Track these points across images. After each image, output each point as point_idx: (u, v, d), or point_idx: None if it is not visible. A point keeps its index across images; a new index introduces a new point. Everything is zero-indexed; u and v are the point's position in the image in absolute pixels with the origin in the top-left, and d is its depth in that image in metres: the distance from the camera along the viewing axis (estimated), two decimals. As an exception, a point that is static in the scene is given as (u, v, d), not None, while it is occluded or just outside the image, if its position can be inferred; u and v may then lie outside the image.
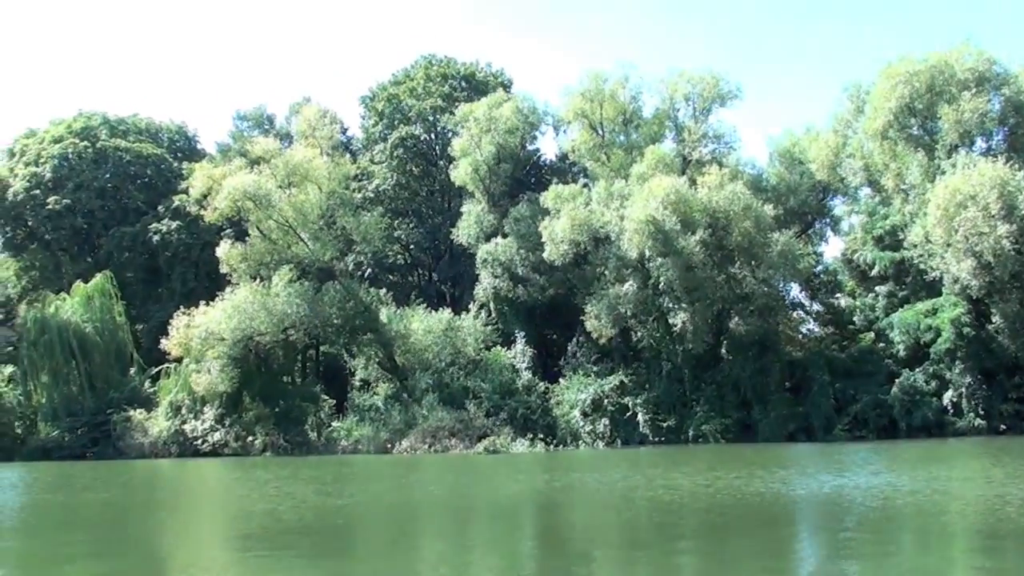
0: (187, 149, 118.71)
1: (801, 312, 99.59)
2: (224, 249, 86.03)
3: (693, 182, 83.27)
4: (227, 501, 41.48)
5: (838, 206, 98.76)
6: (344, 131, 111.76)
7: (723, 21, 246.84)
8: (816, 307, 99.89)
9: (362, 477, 55.07)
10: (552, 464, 60.14)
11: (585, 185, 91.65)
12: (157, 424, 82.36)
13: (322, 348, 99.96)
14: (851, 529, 27.90)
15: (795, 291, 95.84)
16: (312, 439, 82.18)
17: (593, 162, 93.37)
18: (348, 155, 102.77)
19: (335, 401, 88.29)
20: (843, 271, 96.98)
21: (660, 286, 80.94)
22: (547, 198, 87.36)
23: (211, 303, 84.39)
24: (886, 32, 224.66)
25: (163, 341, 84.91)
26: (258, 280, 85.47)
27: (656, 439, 79.89)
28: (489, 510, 35.50)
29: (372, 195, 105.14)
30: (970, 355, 77.74)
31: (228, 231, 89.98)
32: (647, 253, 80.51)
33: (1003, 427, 76.54)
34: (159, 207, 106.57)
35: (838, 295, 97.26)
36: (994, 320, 78.19)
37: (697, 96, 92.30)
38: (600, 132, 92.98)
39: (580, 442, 79.83)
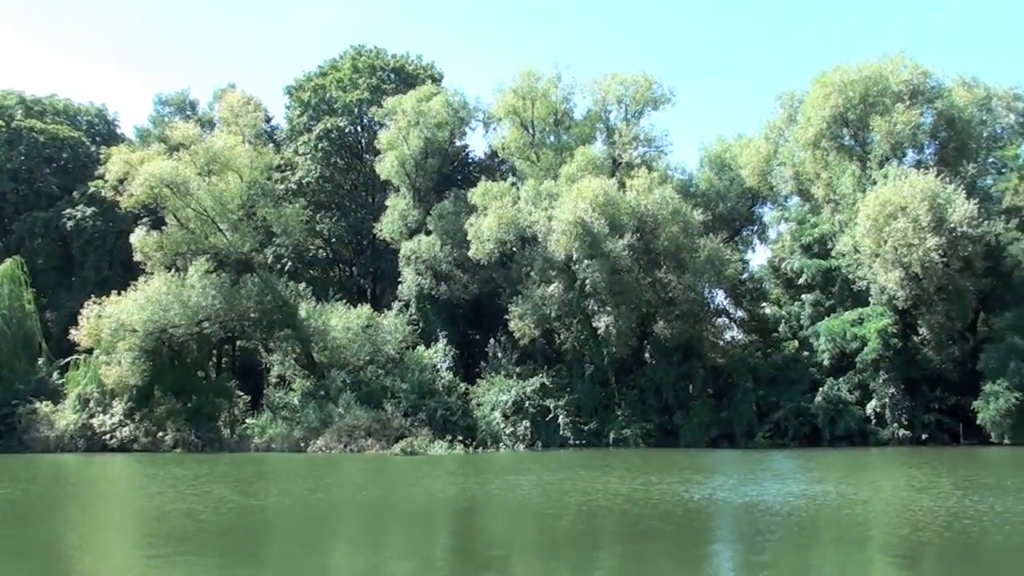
0: (106, 133, 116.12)
1: (725, 319, 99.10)
2: (139, 237, 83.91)
3: (622, 185, 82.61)
4: (139, 500, 39.98)
5: (767, 214, 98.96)
6: (268, 120, 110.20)
7: (658, 25, 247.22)
8: (740, 314, 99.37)
9: (278, 477, 53.72)
10: (471, 467, 59.25)
11: (513, 184, 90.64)
12: (64, 417, 79.90)
13: (238, 343, 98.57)
14: (769, 538, 27.59)
15: (720, 298, 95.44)
16: (225, 436, 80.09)
17: (522, 161, 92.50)
18: (271, 145, 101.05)
19: (250, 397, 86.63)
20: (769, 279, 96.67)
21: (586, 288, 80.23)
22: (474, 195, 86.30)
23: (124, 293, 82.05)
24: (821, 42, 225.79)
25: (73, 331, 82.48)
26: (173, 270, 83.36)
27: (577, 442, 79.21)
28: (405, 514, 34.58)
29: (294, 187, 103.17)
30: (895, 365, 77.78)
31: (144, 219, 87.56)
32: (574, 255, 79.88)
33: (925, 437, 76.80)
34: (74, 192, 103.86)
35: (763, 303, 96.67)
36: (920, 332, 78.20)
37: (629, 99, 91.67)
38: (531, 131, 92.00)
39: (500, 444, 78.91)
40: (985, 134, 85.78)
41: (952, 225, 72.64)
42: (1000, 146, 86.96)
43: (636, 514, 32.33)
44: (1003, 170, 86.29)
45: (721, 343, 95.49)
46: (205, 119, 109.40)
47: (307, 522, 32.42)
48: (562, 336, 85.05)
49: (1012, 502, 33.42)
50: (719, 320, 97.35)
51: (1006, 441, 72.55)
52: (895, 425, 76.98)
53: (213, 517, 32.15)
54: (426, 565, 23.80)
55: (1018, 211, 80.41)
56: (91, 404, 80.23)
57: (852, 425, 77.80)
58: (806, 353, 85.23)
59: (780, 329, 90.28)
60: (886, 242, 73.34)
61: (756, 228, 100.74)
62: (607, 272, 78.58)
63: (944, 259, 72.36)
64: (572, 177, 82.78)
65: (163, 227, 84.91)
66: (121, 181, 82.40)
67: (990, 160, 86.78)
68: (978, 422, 73.96)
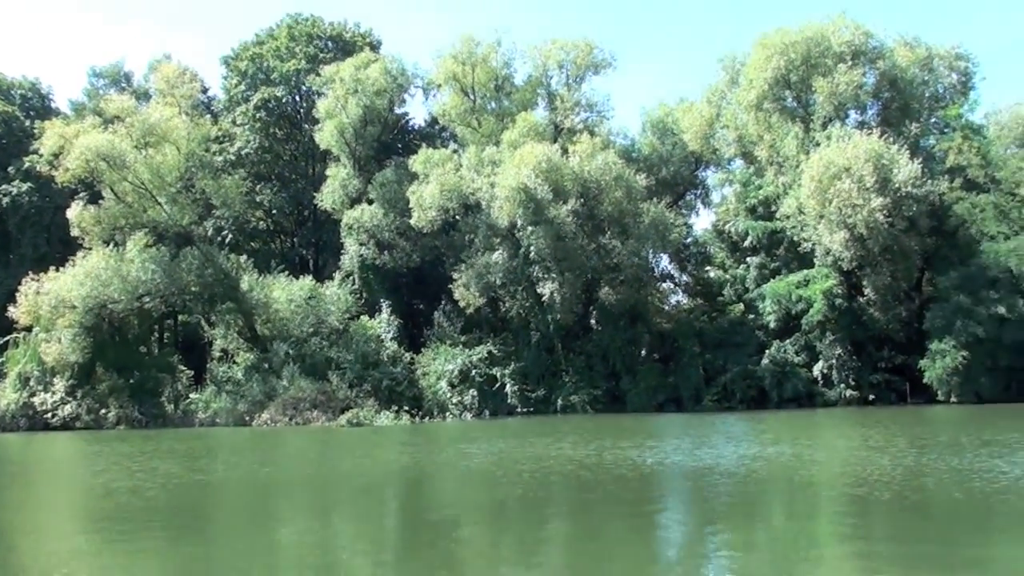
0: (40, 107, 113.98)
1: (670, 284, 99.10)
2: (76, 212, 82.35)
3: (565, 151, 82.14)
4: (84, 478, 39.06)
5: (710, 177, 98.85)
6: (205, 91, 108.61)
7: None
8: (685, 279, 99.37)
9: (224, 451, 52.90)
10: (418, 437, 58.66)
11: (455, 151, 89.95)
12: (4, 397, 78.38)
13: (180, 317, 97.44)
14: (725, 501, 27.50)
15: (665, 262, 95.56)
16: (168, 412, 79.21)
17: (464, 127, 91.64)
18: (209, 116, 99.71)
19: (193, 372, 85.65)
20: (713, 243, 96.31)
21: (530, 255, 79.87)
22: (416, 163, 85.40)
23: (62, 269, 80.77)
24: (762, 4, 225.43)
25: (11, 309, 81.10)
26: (112, 245, 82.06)
27: (525, 410, 79.16)
28: (354, 486, 33.93)
29: (233, 158, 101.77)
30: (841, 327, 77.98)
31: (81, 194, 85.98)
32: (518, 222, 79.50)
33: (872, 397, 77.17)
34: (9, 168, 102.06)
35: (708, 267, 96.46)
36: (865, 292, 78.30)
37: (570, 63, 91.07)
38: (472, 97, 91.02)
39: (447, 414, 78.39)
40: (927, 94, 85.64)
41: (896, 185, 72.73)
42: (942, 106, 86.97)
43: (591, 480, 31.92)
44: (945, 130, 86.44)
45: (666, 308, 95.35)
46: (140, 91, 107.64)
47: (255, 497, 31.88)
48: (507, 304, 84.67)
49: (971, 459, 33.14)
50: (664, 285, 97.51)
51: (953, 400, 73.04)
52: (842, 386, 77.29)
53: (161, 494, 31.39)
54: (377, 537, 23.38)
55: (962, 170, 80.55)
56: (32, 382, 78.88)
57: (799, 387, 78.16)
58: (752, 316, 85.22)
59: (725, 292, 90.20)
60: (830, 203, 73.25)
61: (699, 192, 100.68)
62: (551, 239, 78.25)
63: (889, 219, 72.46)
64: (514, 143, 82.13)
65: (100, 201, 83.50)
66: (56, 155, 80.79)
67: (932, 120, 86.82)
68: (925, 381, 74.35)
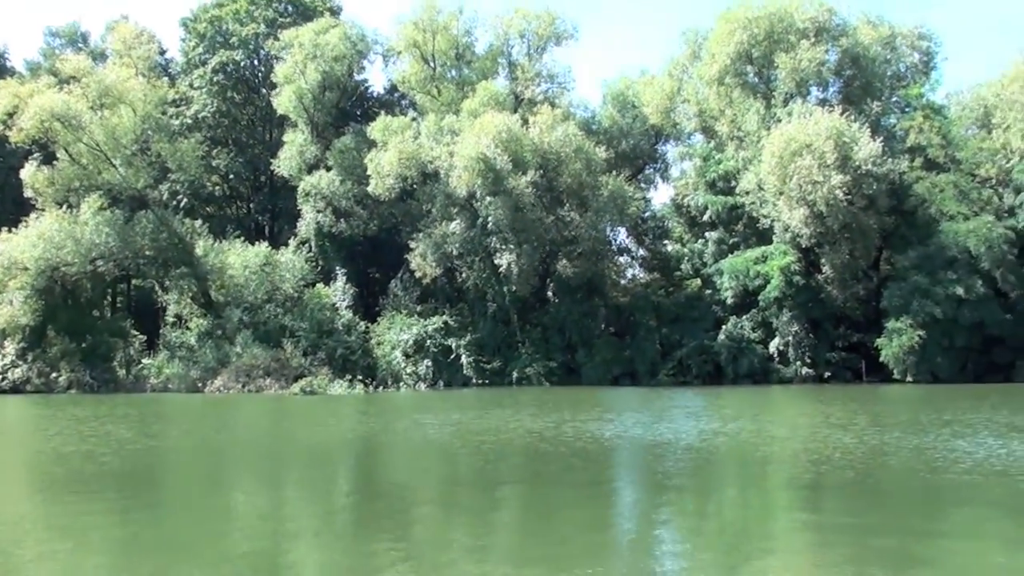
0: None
1: (627, 257, 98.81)
2: (30, 173, 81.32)
3: (525, 121, 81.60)
4: (36, 442, 38.16)
5: (670, 151, 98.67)
6: (162, 53, 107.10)
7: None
8: (642, 253, 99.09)
9: (177, 418, 52.10)
10: (372, 407, 57.98)
11: (414, 119, 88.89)
12: (-46, 359, 77.64)
13: (133, 281, 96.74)
14: (682, 476, 27.23)
15: (622, 236, 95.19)
16: (120, 377, 78.65)
17: (423, 95, 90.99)
18: (166, 78, 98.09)
19: (145, 337, 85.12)
20: (672, 217, 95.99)
21: (488, 226, 79.39)
22: (374, 129, 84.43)
23: (15, 230, 79.68)
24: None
25: (-38, 270, 79.84)
26: (66, 207, 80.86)
27: (480, 381, 78.93)
28: (306, 455, 33.32)
29: (190, 122, 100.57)
30: (798, 304, 77.80)
31: (35, 154, 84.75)
32: (476, 191, 78.99)
33: (828, 375, 77.26)
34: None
35: (666, 241, 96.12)
36: (823, 270, 78.20)
37: (532, 34, 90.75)
38: (432, 64, 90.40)
39: (401, 384, 78.29)
40: (889, 73, 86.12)
41: (857, 163, 72.92)
42: (904, 85, 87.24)
43: (551, 452, 31.55)
44: (906, 109, 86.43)
45: (623, 281, 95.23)
46: (97, 52, 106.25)
47: (208, 464, 31.44)
48: (464, 274, 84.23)
49: (933, 439, 32.88)
50: (621, 259, 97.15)
51: (909, 379, 73.24)
52: (798, 363, 77.41)
53: (114, 459, 30.84)
54: (328, 508, 22.93)
55: (922, 150, 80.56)
56: (-19, 345, 78.02)
57: (755, 363, 78.23)
58: (709, 291, 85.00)
59: (683, 267, 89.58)
60: (790, 179, 73.36)
61: (658, 166, 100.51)
62: (510, 209, 77.84)
63: (848, 197, 72.69)
64: (474, 112, 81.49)
65: (55, 162, 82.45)
66: (11, 115, 79.70)
67: (893, 99, 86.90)
68: (881, 359, 74.35)
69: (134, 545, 18.15)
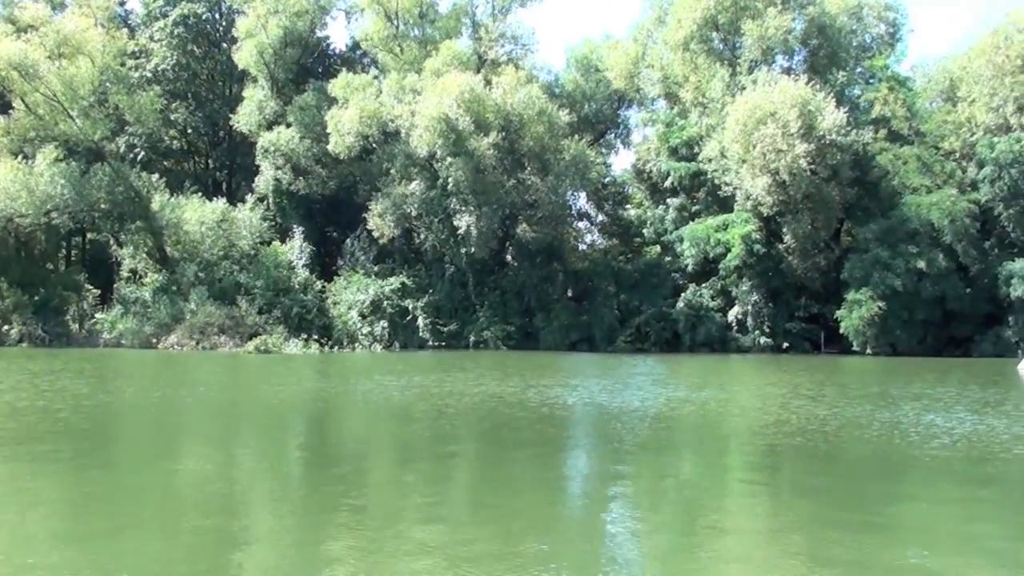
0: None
1: (587, 223, 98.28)
2: (-17, 122, 79.95)
3: (488, 82, 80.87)
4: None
5: (632, 116, 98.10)
6: (122, 3, 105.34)
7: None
8: (601, 218, 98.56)
9: (133, 374, 51.16)
10: (327, 367, 57.46)
11: (376, 77, 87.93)
12: (-96, 310, 76.54)
13: (88, 235, 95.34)
14: (627, 442, 26.76)
15: (582, 201, 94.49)
16: (73, 331, 77.75)
17: (385, 53, 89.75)
18: (125, 30, 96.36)
19: (99, 291, 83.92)
20: (632, 183, 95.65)
21: (448, 187, 78.82)
22: (335, 87, 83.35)
23: (-32, 180, 78.22)
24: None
25: (-86, 220, 78.59)
26: (21, 158, 79.23)
27: (436, 343, 78.75)
28: (265, 415, 32.61)
29: (149, 74, 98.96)
30: (758, 273, 77.81)
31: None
32: (437, 152, 78.38)
33: (786, 345, 77.39)
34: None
35: (628, 207, 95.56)
36: (784, 240, 77.83)
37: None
38: (394, 22, 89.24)
39: (357, 344, 77.74)
40: (855, 43, 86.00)
41: (821, 133, 72.96)
42: (869, 56, 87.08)
43: (518, 418, 31.01)
44: (871, 80, 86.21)
45: (582, 247, 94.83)
46: (56, 1, 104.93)
47: (163, 423, 30.54)
48: (422, 235, 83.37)
49: (908, 412, 32.39)
50: (580, 224, 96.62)
51: (868, 351, 73.26)
52: (756, 332, 77.68)
53: (72, 416, 30.16)
54: (283, 471, 22.35)
55: (886, 122, 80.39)
56: (-68, 297, 76.98)
57: (713, 332, 78.45)
58: (668, 258, 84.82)
59: (645, 232, 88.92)
60: (754, 148, 73.30)
61: (620, 131, 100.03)
62: (470, 171, 77.25)
63: (812, 166, 72.63)
64: (437, 72, 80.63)
65: (10, 112, 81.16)
66: (-34, 63, 78.59)
67: (858, 70, 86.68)
68: (841, 331, 74.41)
69: (86, 506, 17.56)
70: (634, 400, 36.64)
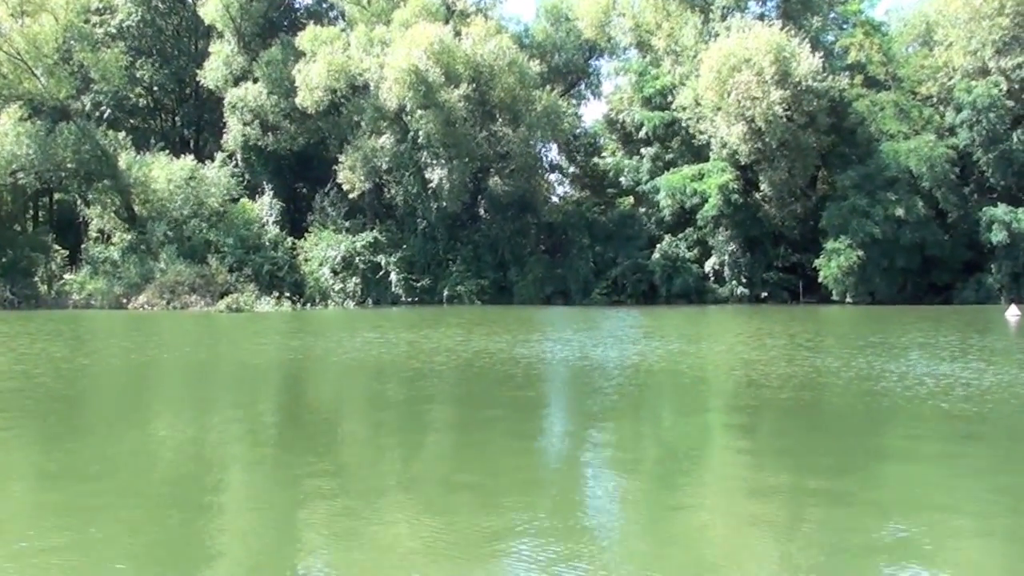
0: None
1: (559, 174, 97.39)
2: (-54, 81, 78.49)
3: (458, 33, 79.85)
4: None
5: (604, 66, 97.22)
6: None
7: None
8: (573, 170, 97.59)
9: (108, 335, 50.46)
10: (300, 324, 56.67)
11: (343, 29, 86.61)
12: None
13: (55, 195, 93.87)
14: (606, 395, 26.41)
15: (554, 152, 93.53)
16: (42, 292, 76.51)
17: (353, 5, 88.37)
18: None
19: (68, 252, 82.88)
20: (604, 134, 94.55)
21: (419, 140, 77.98)
22: (303, 40, 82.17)
23: (-69, 140, 76.85)
24: None
25: None
26: (-16, 117, 78.10)
27: (409, 299, 78.24)
28: (233, 375, 32.09)
29: (114, 31, 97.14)
30: (735, 222, 77.14)
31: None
32: (407, 105, 77.38)
33: (764, 295, 77.05)
34: None
35: (602, 156, 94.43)
36: (761, 188, 77.20)
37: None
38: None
39: (329, 301, 77.08)
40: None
41: (797, 79, 72.59)
42: (842, 1, 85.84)
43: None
44: (844, 26, 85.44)
45: (554, 199, 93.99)
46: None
47: (139, 385, 30.06)
48: (393, 190, 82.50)
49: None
50: (551, 176, 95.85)
51: (847, 300, 72.95)
52: (734, 283, 77.22)
53: (52, 380, 29.70)
54: (261, 433, 21.72)
55: (862, 67, 79.72)
56: None
57: (690, 282, 78.14)
58: (643, 209, 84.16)
59: (622, 182, 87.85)
60: (729, 95, 72.89)
61: (592, 81, 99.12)
62: (441, 123, 76.37)
63: (788, 113, 72.24)
64: (405, 23, 79.56)
65: (-28, 72, 79.75)
66: (-75, 22, 77.18)
67: (831, 15, 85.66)
68: (820, 280, 73.93)
69: (58, 472, 17.12)
70: (632, 355, 35.90)
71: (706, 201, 77.11)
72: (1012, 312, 57.71)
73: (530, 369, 31.75)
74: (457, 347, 38.73)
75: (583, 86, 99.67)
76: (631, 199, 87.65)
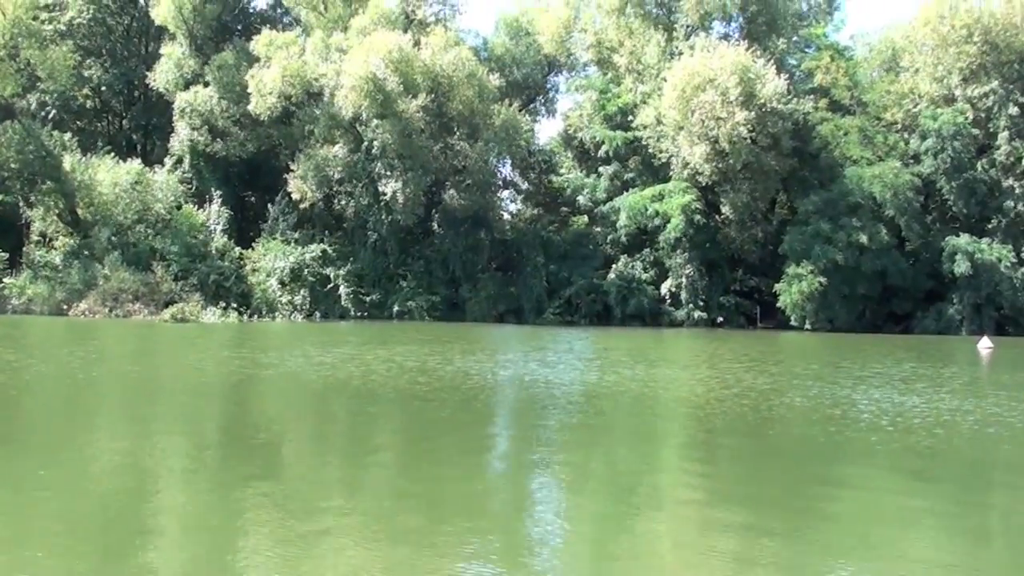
0: None
1: (513, 191, 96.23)
2: None
3: (417, 43, 78.36)
4: None
5: (562, 83, 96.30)
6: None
7: None
8: (526, 187, 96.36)
9: (47, 343, 49.11)
10: (246, 337, 55.49)
11: (299, 36, 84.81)
12: None
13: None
14: (560, 420, 25.91)
15: (508, 168, 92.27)
16: (-21, 296, 74.15)
17: (309, 11, 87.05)
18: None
19: (7, 255, 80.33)
20: (560, 151, 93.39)
21: (373, 151, 76.83)
22: (258, 44, 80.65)
23: None
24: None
25: None
26: (-74, 114, 76.23)
27: (358, 313, 76.68)
28: (182, 391, 30.59)
29: (63, 28, 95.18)
30: (695, 244, 76.25)
31: None
32: (363, 114, 76.37)
33: (720, 319, 76.17)
34: None
35: (557, 175, 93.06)
36: (722, 210, 76.43)
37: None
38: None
39: (277, 314, 75.30)
40: (792, 11, 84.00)
41: (762, 100, 72.33)
42: (806, 24, 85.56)
43: (443, 393, 29.51)
44: (807, 48, 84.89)
45: (506, 215, 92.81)
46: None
47: (77, 395, 28.81)
48: (344, 201, 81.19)
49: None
50: (504, 192, 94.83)
51: (807, 326, 71.89)
52: (690, 306, 76.12)
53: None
54: (200, 449, 20.93)
55: (827, 91, 78.89)
56: None
57: (644, 304, 77.08)
58: (598, 229, 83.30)
59: (579, 201, 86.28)
60: (693, 115, 72.31)
61: (548, 98, 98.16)
62: (398, 134, 75.36)
63: (752, 135, 71.62)
64: (363, 31, 78.31)
65: (-85, 66, 77.70)
66: None
67: (794, 39, 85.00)
68: (779, 305, 73.34)
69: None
70: (568, 376, 35.25)
71: (667, 222, 75.94)
72: (984, 344, 56.98)
73: (483, 390, 31.00)
74: (407, 365, 37.37)
75: (539, 102, 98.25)
76: (585, 218, 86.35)
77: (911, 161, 74.90)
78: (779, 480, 18.26)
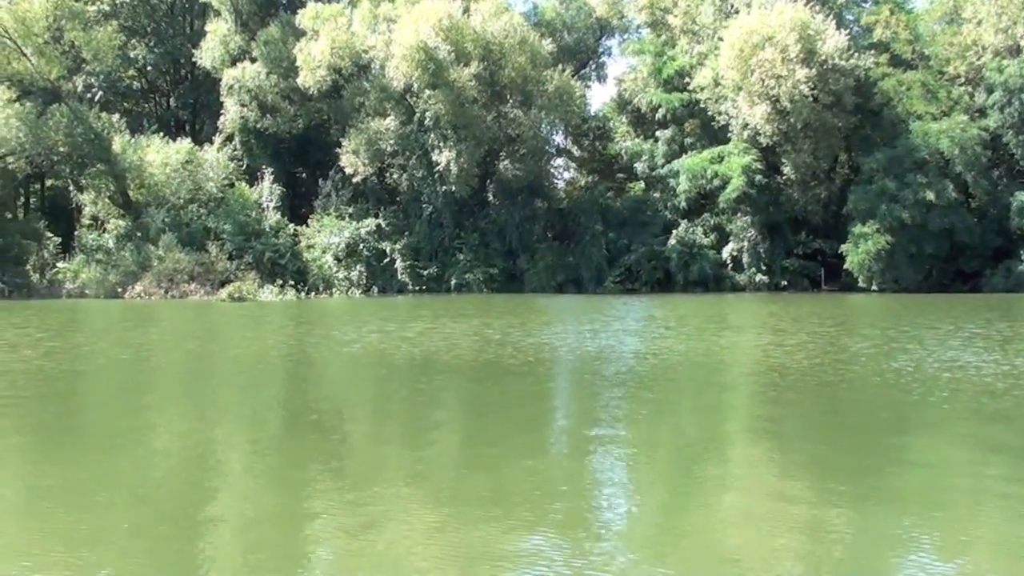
0: None
1: (567, 159, 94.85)
2: (-66, 62, 76.06)
3: (466, 10, 77.14)
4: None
5: (615, 46, 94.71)
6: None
7: None
8: (581, 154, 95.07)
9: (107, 326, 47.80)
10: (304, 314, 54.24)
11: (346, 7, 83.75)
12: None
13: (47, 180, 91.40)
14: (624, 386, 24.53)
15: (562, 136, 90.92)
16: (34, 281, 74.22)
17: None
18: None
19: (60, 239, 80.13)
20: (615, 116, 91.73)
21: (426, 121, 75.62)
22: (304, 17, 79.66)
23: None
24: None
25: None
26: (-27, 100, 75.60)
27: (416, 288, 76.11)
28: (267, 369, 29.53)
29: (107, 8, 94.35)
30: (757, 207, 74.65)
31: (-60, 42, 79.69)
32: (414, 84, 75.19)
33: (784, 283, 74.64)
34: None
35: (612, 141, 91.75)
36: (784, 171, 74.64)
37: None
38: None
39: (334, 290, 74.71)
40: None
41: (823, 57, 70.45)
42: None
43: (485, 363, 28.78)
44: (864, 2, 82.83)
45: (560, 184, 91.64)
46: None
47: (129, 382, 27.12)
48: (397, 174, 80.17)
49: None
50: (558, 160, 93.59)
51: (874, 288, 70.28)
52: (752, 270, 74.61)
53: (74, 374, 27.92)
54: (253, 433, 19.54)
55: (888, 46, 76.97)
56: None
57: (707, 269, 75.66)
58: (656, 194, 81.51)
59: (637, 167, 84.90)
60: (752, 74, 70.56)
61: (600, 62, 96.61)
62: (451, 104, 73.95)
63: (813, 92, 69.78)
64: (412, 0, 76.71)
65: (-40, 52, 77.25)
66: (-88, 1, 74.72)
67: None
68: (846, 267, 71.70)
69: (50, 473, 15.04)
70: (662, 344, 33.82)
71: (727, 184, 74.46)
72: None
73: (546, 360, 29.90)
74: (470, 339, 36.14)
75: (591, 67, 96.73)
76: (642, 184, 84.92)
77: (976, 115, 72.83)
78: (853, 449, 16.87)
